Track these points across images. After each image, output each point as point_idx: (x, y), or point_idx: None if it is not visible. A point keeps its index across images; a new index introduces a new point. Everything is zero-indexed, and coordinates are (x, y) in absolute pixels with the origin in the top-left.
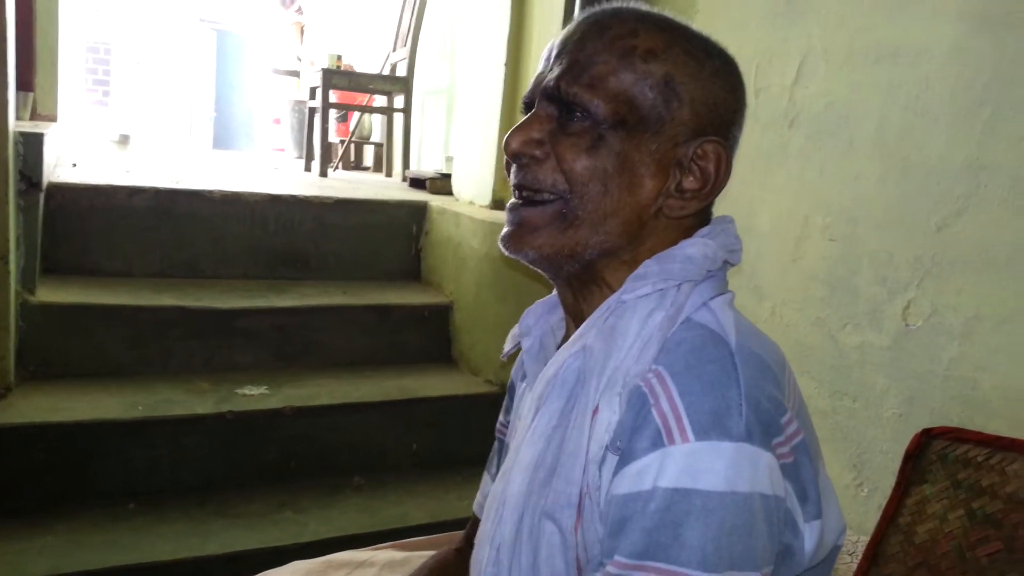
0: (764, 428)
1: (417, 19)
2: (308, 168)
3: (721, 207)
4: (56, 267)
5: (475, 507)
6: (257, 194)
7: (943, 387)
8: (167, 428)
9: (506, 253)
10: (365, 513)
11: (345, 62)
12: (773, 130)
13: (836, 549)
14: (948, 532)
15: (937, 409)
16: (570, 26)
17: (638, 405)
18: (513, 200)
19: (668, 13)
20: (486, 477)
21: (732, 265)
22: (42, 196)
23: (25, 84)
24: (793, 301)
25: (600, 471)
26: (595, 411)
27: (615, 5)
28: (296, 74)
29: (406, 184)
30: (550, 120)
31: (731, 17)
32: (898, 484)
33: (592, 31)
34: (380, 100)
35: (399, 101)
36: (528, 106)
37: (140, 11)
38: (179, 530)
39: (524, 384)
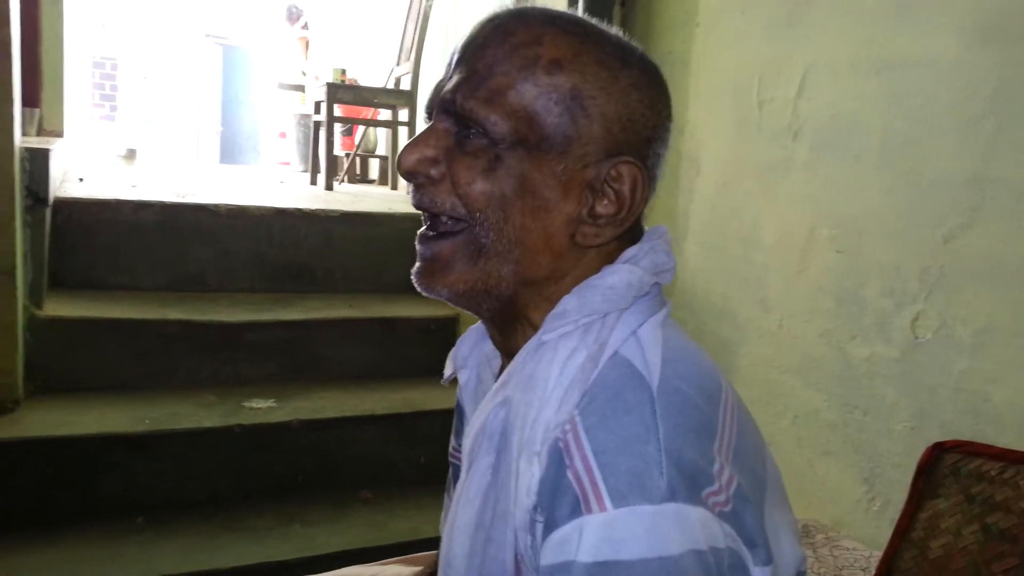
0: (690, 482)
1: (420, 33)
2: (314, 182)
3: (727, 218)
4: (63, 281)
5: (441, 529)
6: (263, 208)
7: (954, 400)
8: (174, 442)
9: (422, 291)
10: (373, 527)
11: (349, 76)
12: (777, 142)
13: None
14: (963, 547)
15: (948, 422)
16: (475, 28)
17: (557, 463)
18: (423, 230)
19: (585, 15)
20: (447, 499)
21: (665, 284)
22: (48, 211)
23: (31, 100)
24: (800, 313)
25: (530, 535)
26: (518, 472)
27: (523, 6)
28: (301, 88)
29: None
30: (447, 135)
31: (732, 30)
32: (910, 498)
33: (494, 36)
34: (385, 113)
35: (403, 114)
36: (429, 115)
37: (146, 26)
38: (186, 544)
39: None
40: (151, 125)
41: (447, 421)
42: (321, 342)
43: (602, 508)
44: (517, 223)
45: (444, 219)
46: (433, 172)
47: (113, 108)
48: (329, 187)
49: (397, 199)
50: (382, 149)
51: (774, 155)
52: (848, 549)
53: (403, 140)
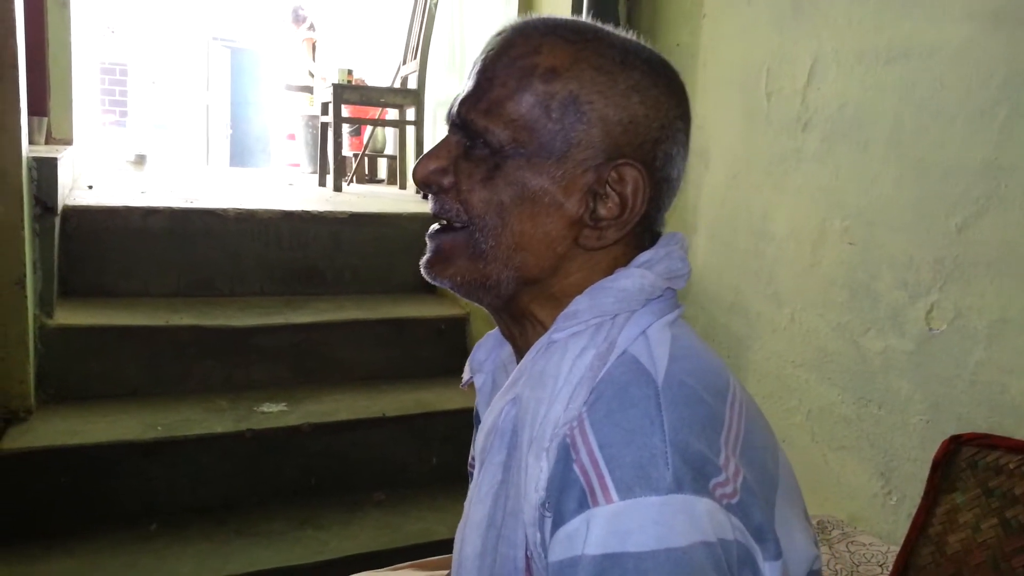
0: (696, 472)
1: (426, 32)
2: (322, 183)
3: (737, 212)
4: (73, 290)
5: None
6: (271, 211)
7: (970, 392)
8: (186, 448)
9: (428, 279)
10: (387, 529)
11: (356, 76)
12: (786, 134)
13: (814, 574)
14: (981, 542)
15: (964, 415)
16: (487, 42)
17: (564, 459)
18: (433, 226)
19: (591, 13)
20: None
21: (678, 289)
22: (57, 220)
23: (39, 109)
24: (813, 307)
25: (539, 531)
26: (527, 468)
27: (527, 18)
28: (309, 90)
29: (419, 196)
30: (458, 146)
31: (739, 21)
32: (927, 492)
33: (498, 49)
34: (392, 113)
35: (411, 113)
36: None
37: (154, 31)
38: (200, 550)
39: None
40: (161, 130)
41: (459, 421)
42: (332, 344)
43: (608, 500)
44: (516, 229)
45: (455, 222)
46: (444, 181)
47: (123, 114)
48: (338, 188)
49: (406, 199)
50: (390, 149)
51: (783, 147)
52: (865, 545)
53: (411, 139)
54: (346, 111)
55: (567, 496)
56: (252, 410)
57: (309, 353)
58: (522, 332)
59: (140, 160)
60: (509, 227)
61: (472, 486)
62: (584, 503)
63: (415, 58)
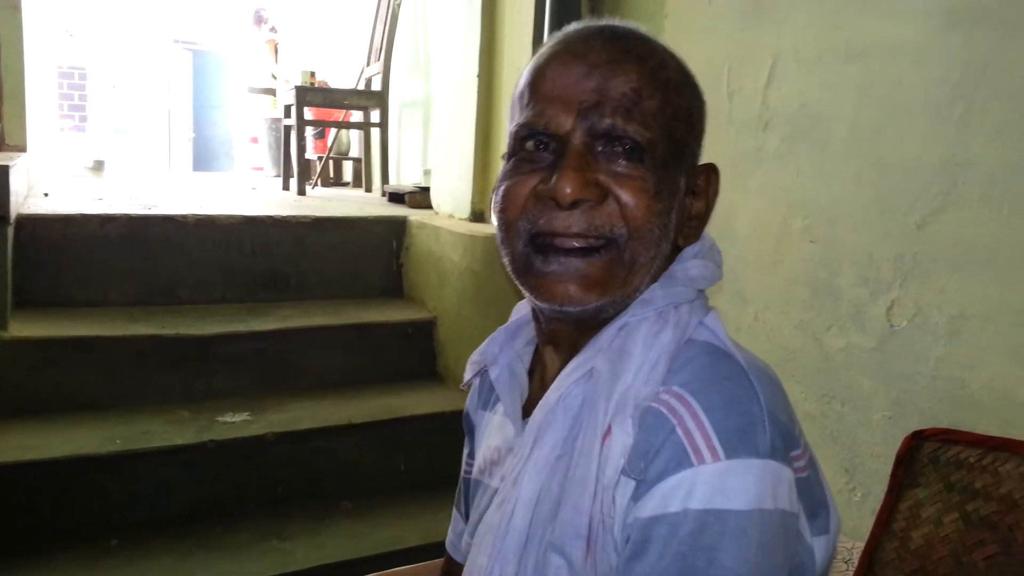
0: (784, 442)
1: (390, 33)
2: (286, 186)
3: None
4: (29, 300)
5: (448, 547)
6: (232, 216)
7: (931, 388)
8: (147, 461)
9: (557, 308)
10: (355, 538)
11: (320, 78)
12: (748, 133)
13: (834, 550)
14: (944, 536)
15: (926, 410)
16: (583, 43)
17: (655, 426)
18: (558, 245)
19: (552, 19)
20: (456, 515)
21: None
22: (11, 229)
23: None
24: (776, 305)
25: (614, 497)
26: (606, 436)
27: (621, 24)
28: (272, 92)
29: (385, 199)
30: (595, 158)
31: (701, 21)
32: (891, 488)
33: (624, 56)
34: (357, 115)
35: (375, 115)
36: (542, 139)
37: (114, 34)
38: (163, 565)
39: (489, 412)
40: (122, 134)
41: (428, 426)
42: (296, 351)
43: (716, 458)
44: (667, 236)
45: (595, 240)
46: (596, 195)
47: (82, 118)
48: (302, 192)
49: (372, 202)
50: (355, 151)
51: (745, 146)
52: None
53: (376, 142)
54: (310, 114)
55: (663, 456)
56: (214, 420)
57: (273, 361)
58: (590, 328)
59: (99, 166)
60: (665, 237)
61: (519, 460)
62: (686, 461)
63: (379, 59)
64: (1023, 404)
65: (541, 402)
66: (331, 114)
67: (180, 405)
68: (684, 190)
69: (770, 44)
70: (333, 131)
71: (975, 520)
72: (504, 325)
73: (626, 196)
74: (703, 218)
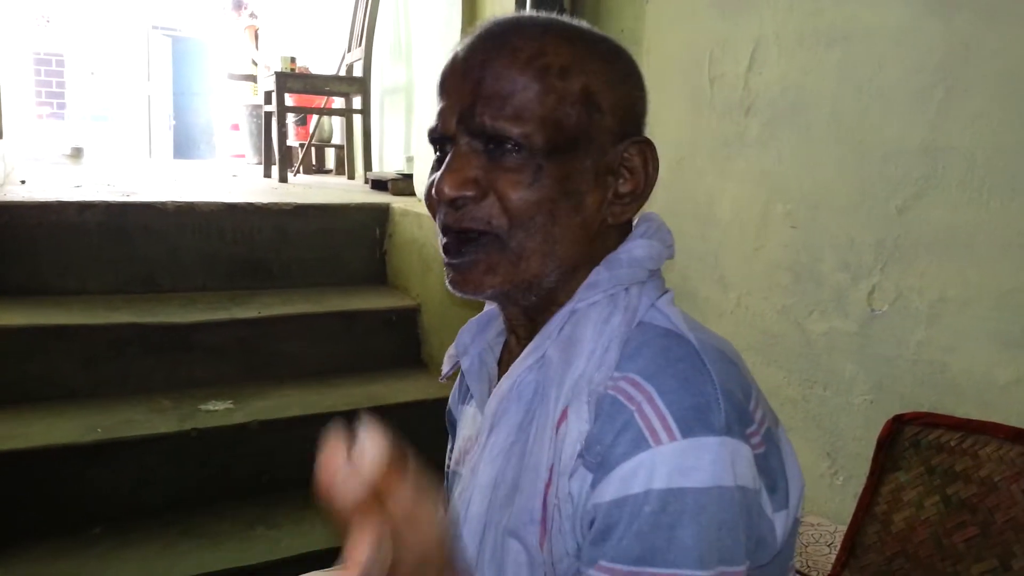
0: (740, 419)
1: (371, 18)
2: (268, 174)
3: (681, 197)
4: (6, 289)
5: None
6: (212, 203)
7: (912, 371)
8: (129, 449)
9: (460, 295)
10: None
11: (300, 64)
12: (729, 118)
13: (797, 523)
14: (924, 519)
15: (907, 394)
16: (469, 43)
17: (612, 413)
18: (447, 240)
19: (565, 17)
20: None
21: (669, 259)
22: None
23: None
24: (758, 290)
25: (570, 483)
26: (560, 422)
27: (511, 17)
28: (252, 79)
29: (368, 186)
30: (477, 155)
31: (682, 6)
32: (872, 472)
33: (498, 52)
34: (338, 102)
35: (357, 102)
36: (438, 140)
37: (91, 20)
38: (146, 554)
39: (466, 405)
40: (101, 122)
41: (412, 414)
42: (279, 339)
43: (672, 438)
44: (562, 223)
45: (480, 232)
46: (475, 193)
47: (60, 106)
48: (283, 179)
49: (354, 189)
50: (337, 138)
51: (727, 131)
52: (813, 525)
53: (358, 128)
54: (291, 100)
55: (622, 442)
56: (197, 409)
57: (255, 349)
58: (540, 313)
59: (77, 153)
60: (559, 222)
61: (477, 450)
62: (644, 443)
63: (360, 45)
64: (1003, 387)
65: (495, 390)
66: (312, 100)
67: (162, 394)
68: (598, 172)
69: (751, 29)
70: (315, 118)
71: (955, 503)
72: (476, 316)
73: (503, 189)
74: (637, 195)
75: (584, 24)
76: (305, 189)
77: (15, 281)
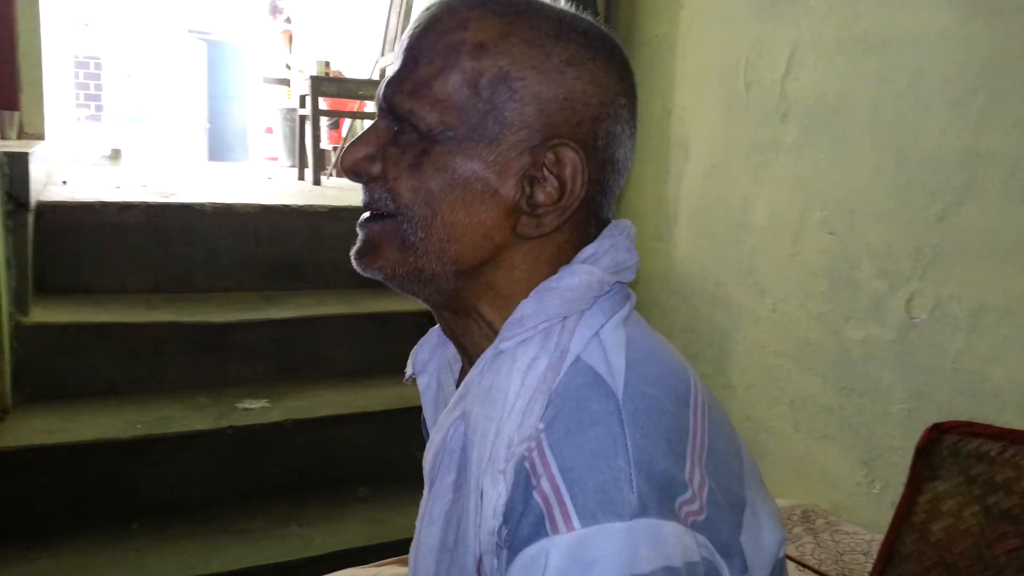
0: (662, 493)
1: (404, 22)
2: (301, 176)
3: (715, 202)
4: (49, 287)
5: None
6: (249, 205)
7: (951, 380)
8: (167, 445)
9: (359, 271)
10: (372, 524)
11: (334, 68)
12: (766, 124)
13: (780, 563)
14: (964, 529)
15: (946, 403)
16: (415, 19)
17: (520, 483)
18: (363, 215)
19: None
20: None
21: (627, 281)
22: (31, 216)
23: (10, 104)
24: (794, 297)
25: (496, 558)
26: (482, 491)
27: None
28: (286, 83)
29: None
30: (387, 132)
31: (717, 11)
32: (910, 481)
33: (424, 26)
34: (371, 105)
35: None
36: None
37: (129, 24)
38: (183, 549)
39: None
40: (137, 124)
41: None
42: (313, 340)
43: (570, 527)
44: (447, 219)
45: (371, 209)
46: (373, 169)
47: (98, 108)
48: (317, 182)
49: None
50: None
51: (763, 137)
52: (849, 534)
53: None
54: (324, 104)
55: (525, 522)
56: (233, 407)
57: (290, 349)
58: (466, 331)
59: (115, 155)
60: (440, 217)
61: (422, 504)
62: (542, 530)
63: (393, 49)
64: None
65: (428, 444)
66: (345, 104)
67: (199, 391)
68: (508, 171)
69: (788, 34)
70: (348, 121)
71: (996, 513)
72: (436, 326)
73: (386, 170)
74: (554, 207)
75: (548, 4)
76: (338, 192)
77: (57, 279)
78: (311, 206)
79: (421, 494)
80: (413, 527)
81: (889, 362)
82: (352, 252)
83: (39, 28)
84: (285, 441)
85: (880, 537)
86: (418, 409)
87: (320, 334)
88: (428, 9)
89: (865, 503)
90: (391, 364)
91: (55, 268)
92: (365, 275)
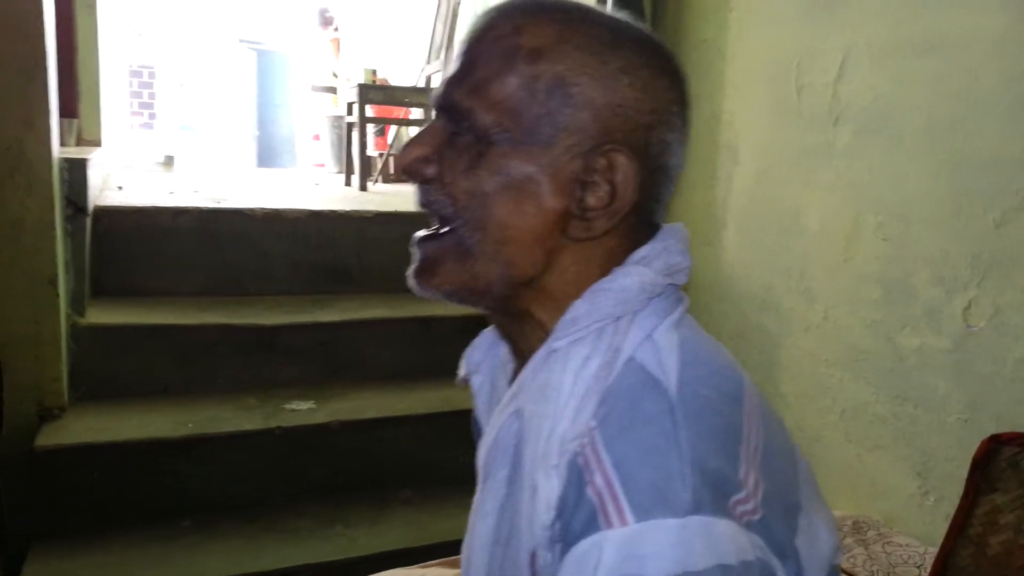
0: (716, 491)
1: (450, 31)
2: (348, 182)
3: (765, 207)
4: (104, 289)
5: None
6: (298, 210)
7: (1009, 390)
8: (217, 445)
9: (417, 292)
10: (415, 527)
11: (380, 76)
12: (817, 128)
13: (834, 569)
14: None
15: (1004, 413)
16: (471, 23)
17: (575, 479)
18: (417, 234)
19: (612, 5)
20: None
21: (680, 284)
22: (89, 220)
23: (69, 111)
24: (846, 303)
25: (550, 552)
26: (535, 486)
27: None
28: (333, 90)
29: None
30: (443, 132)
31: (767, 14)
32: (966, 493)
33: (481, 31)
34: (417, 113)
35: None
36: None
37: (181, 34)
38: (232, 547)
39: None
40: (189, 131)
41: None
42: (359, 342)
43: (623, 522)
44: (501, 221)
45: (436, 220)
46: (428, 171)
47: (151, 116)
48: (363, 188)
49: None
50: None
51: (814, 141)
52: (901, 545)
53: None
54: (371, 111)
55: (578, 516)
56: (281, 408)
57: (336, 351)
58: (521, 333)
59: (168, 161)
60: (494, 219)
61: (476, 499)
62: (596, 524)
63: (439, 57)
64: None
65: (483, 439)
66: (392, 111)
67: (248, 392)
68: (561, 175)
69: (840, 37)
70: (394, 128)
71: None
72: (489, 328)
73: (444, 172)
74: (604, 212)
75: (603, 11)
76: (385, 197)
77: (112, 282)
78: (357, 211)
79: (463, 497)
80: (456, 530)
81: (945, 371)
82: (409, 272)
83: (96, 39)
84: (330, 442)
85: (934, 550)
86: (461, 413)
87: (365, 337)
88: (484, 15)
89: (918, 515)
90: (434, 367)
91: (110, 271)
92: (423, 295)
